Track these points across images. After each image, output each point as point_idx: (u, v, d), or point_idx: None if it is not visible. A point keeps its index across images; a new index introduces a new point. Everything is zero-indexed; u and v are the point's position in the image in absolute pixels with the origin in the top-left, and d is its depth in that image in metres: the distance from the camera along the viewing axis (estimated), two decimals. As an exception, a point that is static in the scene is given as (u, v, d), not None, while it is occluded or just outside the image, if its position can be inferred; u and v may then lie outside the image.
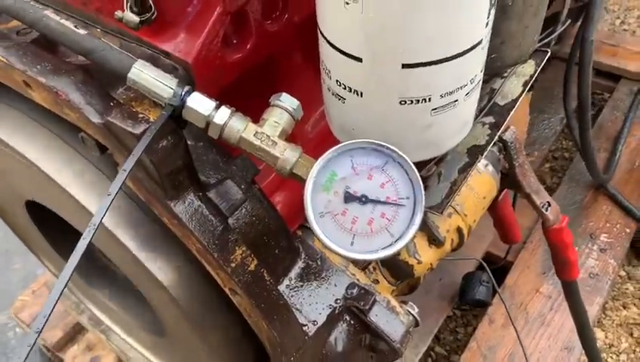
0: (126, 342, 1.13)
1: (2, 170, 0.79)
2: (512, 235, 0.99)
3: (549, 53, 0.84)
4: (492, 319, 1.32)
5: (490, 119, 0.79)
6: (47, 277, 1.47)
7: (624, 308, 1.55)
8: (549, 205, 0.83)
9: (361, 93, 0.53)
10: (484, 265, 1.10)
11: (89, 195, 0.63)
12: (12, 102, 0.70)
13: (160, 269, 0.64)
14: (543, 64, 0.82)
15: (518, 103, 0.80)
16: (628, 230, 1.48)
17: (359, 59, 0.51)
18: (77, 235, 0.50)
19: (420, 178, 0.51)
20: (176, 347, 0.92)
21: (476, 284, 1.31)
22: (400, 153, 0.51)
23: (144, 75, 0.52)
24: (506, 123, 0.79)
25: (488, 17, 0.51)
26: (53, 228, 0.93)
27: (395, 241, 0.51)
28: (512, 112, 0.80)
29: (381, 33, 0.48)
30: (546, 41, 0.88)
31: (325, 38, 0.55)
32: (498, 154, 0.81)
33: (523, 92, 0.81)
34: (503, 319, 1.32)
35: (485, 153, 0.74)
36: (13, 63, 0.56)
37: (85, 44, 0.55)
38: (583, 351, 1.17)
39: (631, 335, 1.49)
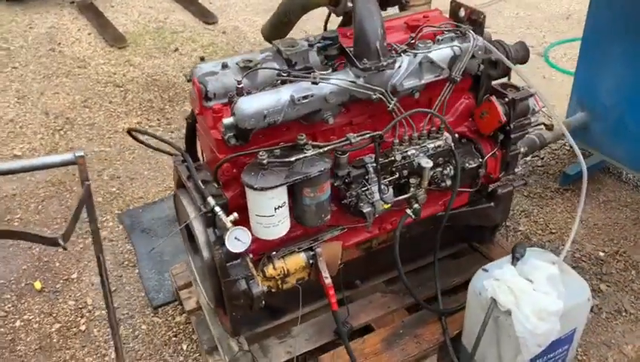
0: (196, 276, 2.94)
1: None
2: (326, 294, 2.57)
3: (345, 227, 2.50)
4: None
5: (311, 242, 2.47)
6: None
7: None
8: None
9: (250, 218, 2.30)
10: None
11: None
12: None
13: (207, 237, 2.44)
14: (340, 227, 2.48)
15: (324, 239, 2.46)
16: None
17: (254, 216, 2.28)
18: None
19: (250, 238, 2.23)
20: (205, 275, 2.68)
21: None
22: (256, 234, 2.26)
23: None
24: (319, 243, 2.46)
25: (276, 210, 2.23)
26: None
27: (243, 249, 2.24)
28: (320, 241, 2.46)
29: (252, 214, 2.26)
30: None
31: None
32: (311, 253, 2.46)
33: (328, 238, 2.47)
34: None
35: (302, 250, 2.43)
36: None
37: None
38: None
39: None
